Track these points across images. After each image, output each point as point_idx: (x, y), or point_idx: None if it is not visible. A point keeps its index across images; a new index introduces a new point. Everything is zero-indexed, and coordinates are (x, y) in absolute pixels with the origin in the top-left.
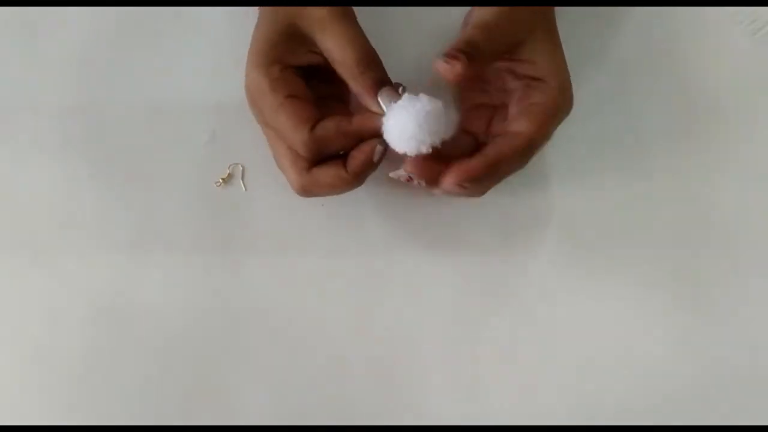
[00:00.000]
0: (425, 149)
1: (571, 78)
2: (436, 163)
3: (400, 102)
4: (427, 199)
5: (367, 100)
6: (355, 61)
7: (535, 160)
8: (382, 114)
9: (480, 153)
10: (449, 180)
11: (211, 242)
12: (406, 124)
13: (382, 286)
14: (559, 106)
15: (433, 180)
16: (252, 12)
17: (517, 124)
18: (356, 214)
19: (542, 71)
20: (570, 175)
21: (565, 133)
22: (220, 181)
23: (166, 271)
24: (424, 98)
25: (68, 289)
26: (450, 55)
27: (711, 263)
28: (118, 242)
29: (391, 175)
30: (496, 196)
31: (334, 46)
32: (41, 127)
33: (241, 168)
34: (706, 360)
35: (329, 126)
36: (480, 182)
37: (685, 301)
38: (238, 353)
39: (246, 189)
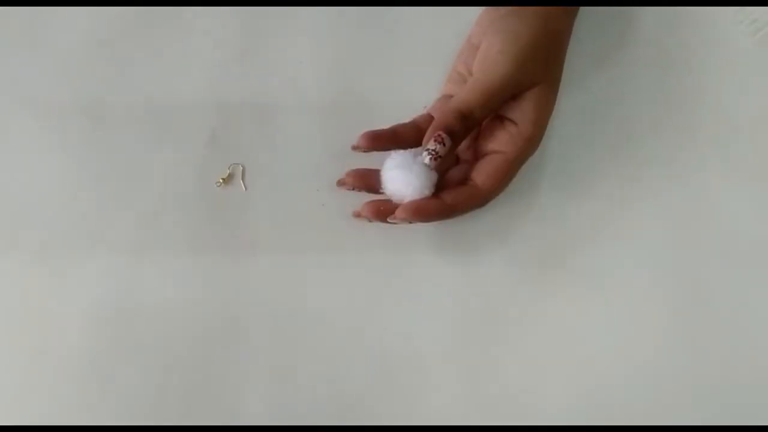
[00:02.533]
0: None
1: (570, 79)
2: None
3: (397, 156)
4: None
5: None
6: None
7: (535, 163)
8: None
9: (439, 198)
10: (400, 214)
11: (211, 242)
12: (408, 176)
13: (382, 285)
14: (523, 154)
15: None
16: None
17: (479, 175)
18: None
19: (521, 118)
20: (569, 178)
21: (561, 135)
22: (220, 181)
23: (166, 271)
24: (417, 157)
25: (68, 289)
26: (437, 140)
27: (710, 264)
28: (118, 242)
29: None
30: (497, 200)
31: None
32: (41, 126)
33: (241, 168)
34: (706, 359)
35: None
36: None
37: (685, 301)
38: (238, 353)
39: (246, 189)
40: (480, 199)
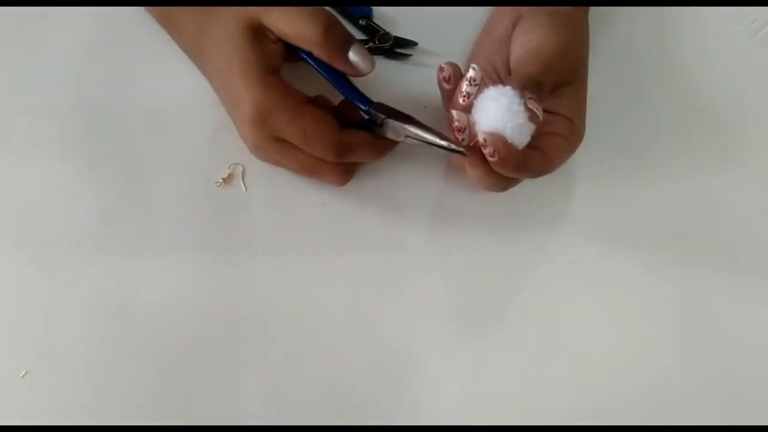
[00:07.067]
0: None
1: None
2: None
3: (491, 90)
4: (427, 198)
5: (338, 63)
6: (314, 29)
7: None
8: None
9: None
10: (502, 151)
11: (211, 242)
12: (510, 110)
13: (382, 285)
14: (575, 145)
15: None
16: None
17: (538, 153)
18: (356, 214)
19: (572, 113)
20: (574, 178)
21: None
22: (220, 181)
23: (166, 271)
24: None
25: (68, 289)
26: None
27: (709, 264)
28: (118, 242)
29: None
30: (500, 196)
31: (287, 24)
32: (41, 127)
33: (241, 168)
34: (706, 359)
35: (356, 134)
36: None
37: (684, 300)
38: (238, 353)
39: (246, 189)
40: (547, 167)
